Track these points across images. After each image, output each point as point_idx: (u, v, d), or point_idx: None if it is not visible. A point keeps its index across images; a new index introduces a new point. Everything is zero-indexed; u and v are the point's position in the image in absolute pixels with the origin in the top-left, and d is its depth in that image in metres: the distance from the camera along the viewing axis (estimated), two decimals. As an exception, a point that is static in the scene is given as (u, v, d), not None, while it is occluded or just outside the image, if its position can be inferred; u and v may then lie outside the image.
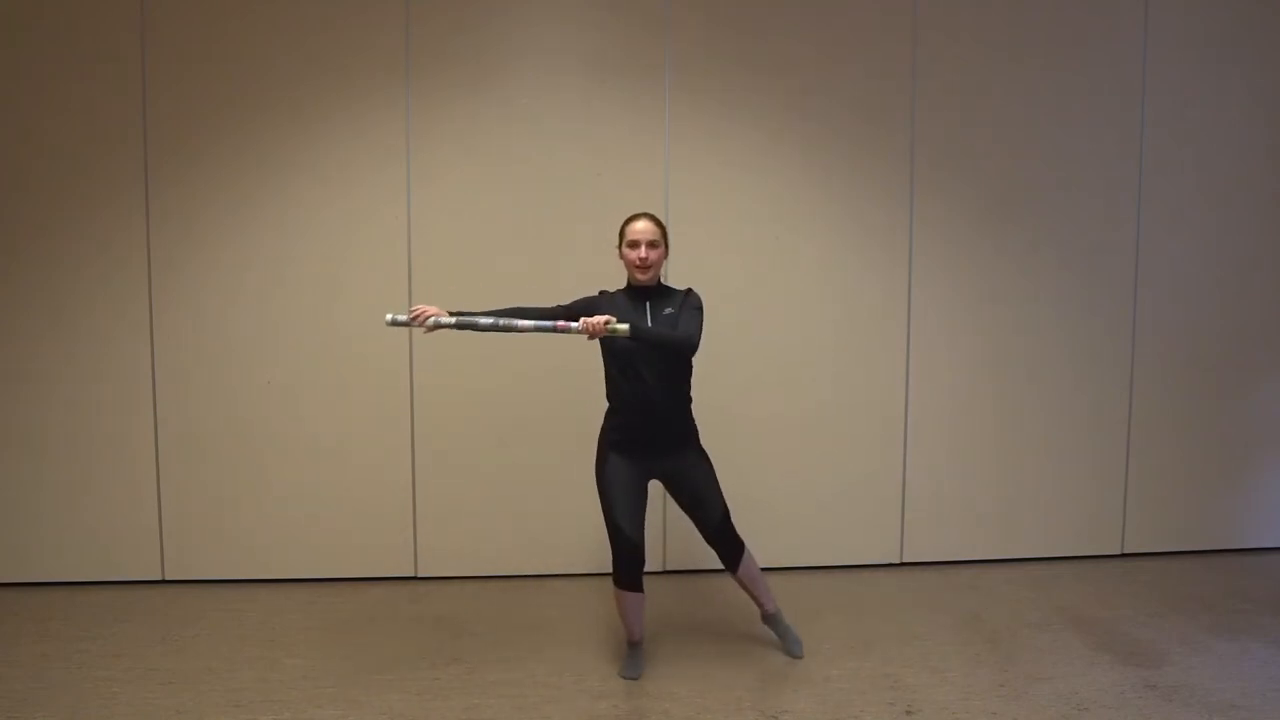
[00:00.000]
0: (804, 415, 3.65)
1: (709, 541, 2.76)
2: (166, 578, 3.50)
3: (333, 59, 3.41)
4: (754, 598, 2.88)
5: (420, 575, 3.58)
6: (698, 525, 2.75)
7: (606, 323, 2.40)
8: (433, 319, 2.51)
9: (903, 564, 3.75)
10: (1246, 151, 3.78)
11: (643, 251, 2.59)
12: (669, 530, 3.61)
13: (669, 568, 3.66)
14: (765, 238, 3.58)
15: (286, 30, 3.39)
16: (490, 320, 2.50)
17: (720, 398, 3.58)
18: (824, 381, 3.65)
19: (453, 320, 2.50)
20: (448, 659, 2.82)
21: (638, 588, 2.65)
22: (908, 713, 2.48)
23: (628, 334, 2.42)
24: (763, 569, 3.58)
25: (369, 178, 3.44)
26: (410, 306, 2.48)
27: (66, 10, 3.32)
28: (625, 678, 2.70)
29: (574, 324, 2.43)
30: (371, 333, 3.46)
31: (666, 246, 2.69)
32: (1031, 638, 2.99)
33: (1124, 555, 3.85)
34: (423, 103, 3.45)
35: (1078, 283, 3.73)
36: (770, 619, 2.90)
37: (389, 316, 2.53)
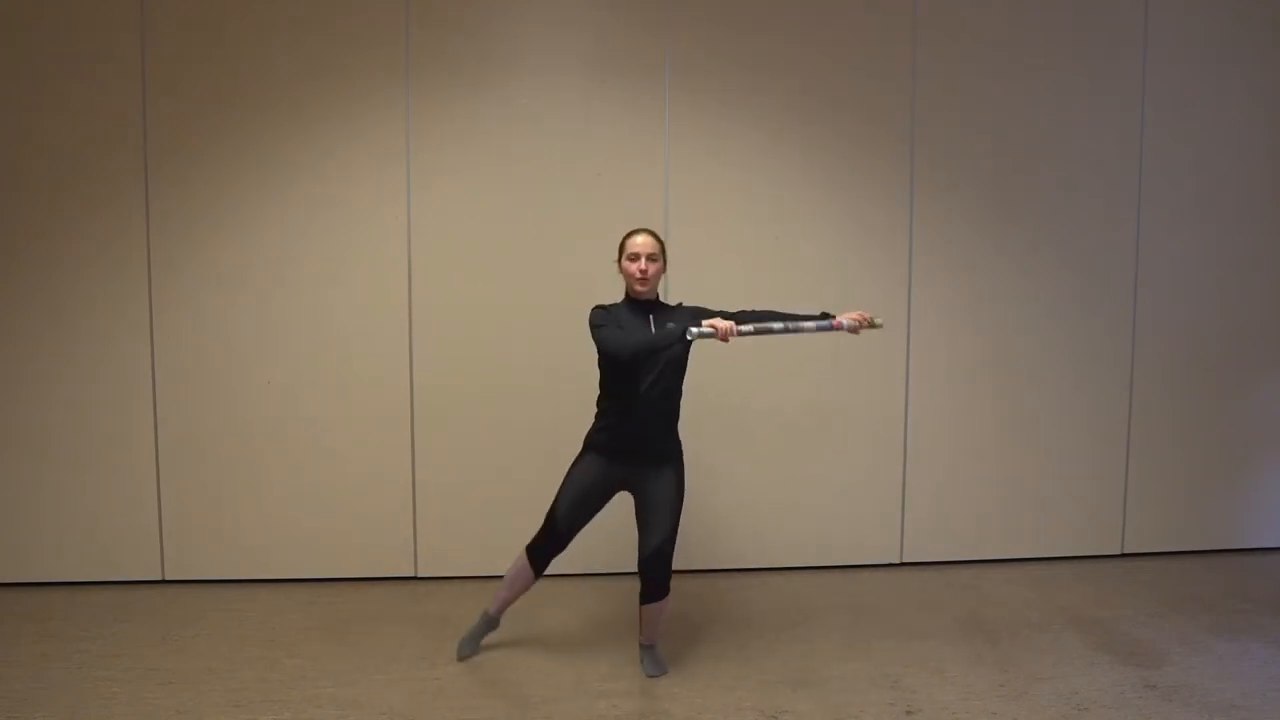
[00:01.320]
0: (804, 415, 3.65)
1: (640, 566, 2.64)
2: (166, 578, 3.50)
3: (333, 59, 3.41)
4: (644, 625, 2.76)
5: (420, 575, 3.58)
6: (641, 542, 2.66)
7: (866, 319, 2.59)
8: (735, 334, 2.45)
9: (903, 564, 3.75)
10: (1246, 151, 3.78)
11: (643, 264, 2.61)
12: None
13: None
14: (765, 238, 3.58)
15: (286, 30, 3.39)
16: (781, 325, 2.53)
17: (720, 398, 3.59)
18: (824, 382, 3.65)
19: (750, 329, 2.48)
20: (448, 659, 2.82)
21: (540, 569, 2.74)
22: (908, 713, 2.48)
23: (881, 325, 2.63)
24: (763, 569, 3.61)
25: (369, 178, 3.45)
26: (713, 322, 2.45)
27: (66, 10, 3.32)
28: (460, 655, 2.81)
29: (844, 319, 2.56)
30: (372, 333, 3.47)
31: (665, 261, 2.72)
32: (1031, 638, 2.99)
33: (1124, 555, 3.85)
34: (423, 103, 3.45)
35: (1078, 283, 3.74)
36: (645, 648, 2.80)
37: (693, 330, 2.44)
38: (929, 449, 3.72)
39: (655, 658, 2.79)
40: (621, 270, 2.68)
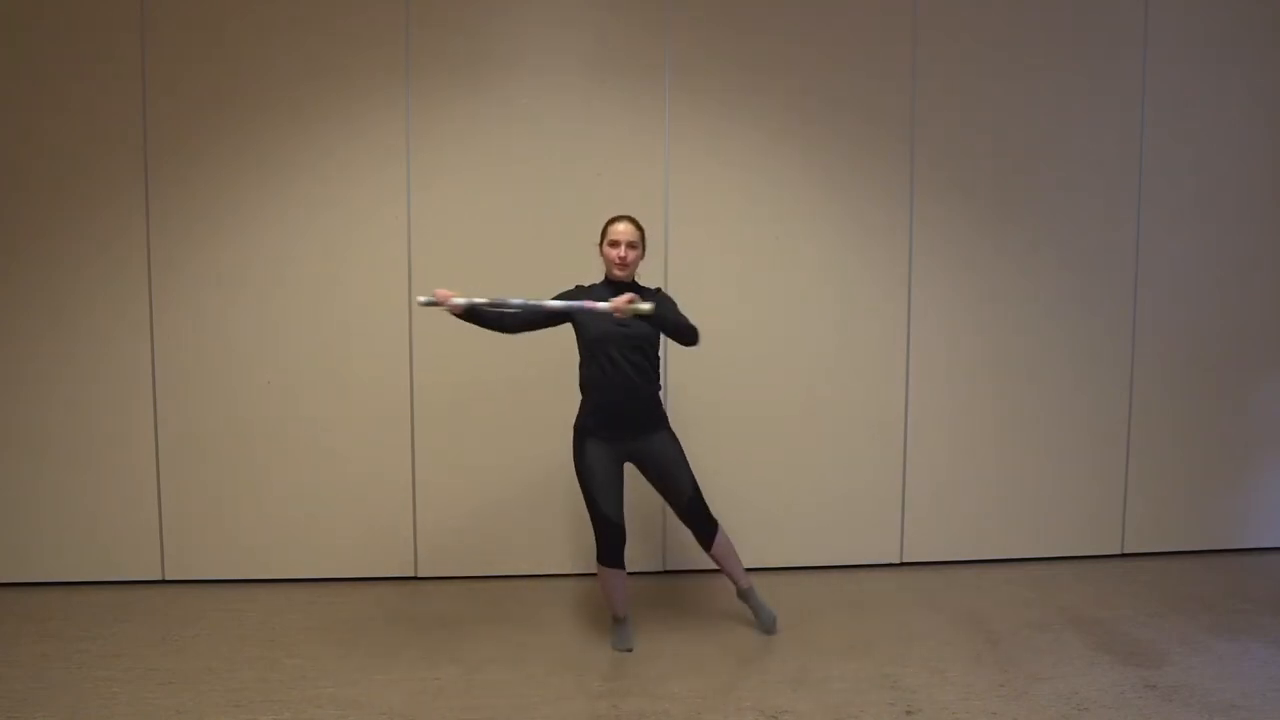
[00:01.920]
0: (804, 415, 3.65)
1: (681, 519, 2.93)
2: (166, 578, 3.50)
3: (333, 59, 3.41)
4: (728, 574, 3.02)
5: (420, 575, 3.58)
6: (670, 503, 2.92)
7: (631, 301, 2.55)
8: (463, 300, 2.64)
9: (903, 564, 3.75)
10: (1246, 151, 3.78)
11: (622, 251, 2.79)
12: (669, 531, 3.61)
13: (669, 568, 3.66)
14: (765, 238, 3.58)
15: (286, 30, 3.39)
16: (520, 301, 2.66)
17: (720, 397, 3.59)
18: (824, 381, 3.65)
19: (485, 300, 2.64)
20: (448, 659, 2.82)
21: (620, 564, 2.85)
22: (908, 713, 2.48)
23: (650, 313, 2.55)
24: (763, 569, 3.61)
25: (369, 178, 3.45)
26: (434, 290, 2.64)
27: (66, 10, 3.32)
28: (618, 649, 2.88)
29: (601, 304, 2.58)
30: (372, 333, 3.47)
31: (644, 248, 2.88)
32: (1031, 638, 2.99)
33: (1124, 555, 3.85)
34: (423, 103, 3.45)
35: (1078, 282, 3.74)
36: (744, 594, 3.05)
37: (420, 298, 2.65)
38: (929, 449, 3.72)
39: (759, 603, 3.03)
40: (602, 254, 2.85)
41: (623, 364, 2.77)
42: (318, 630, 3.05)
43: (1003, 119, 3.65)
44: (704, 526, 2.92)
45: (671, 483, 2.88)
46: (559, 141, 3.49)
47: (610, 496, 2.81)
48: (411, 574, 3.58)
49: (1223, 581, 3.55)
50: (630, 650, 2.88)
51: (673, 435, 2.92)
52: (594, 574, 3.55)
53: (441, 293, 2.65)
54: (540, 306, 2.68)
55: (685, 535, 3.44)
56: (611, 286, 2.84)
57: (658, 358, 2.87)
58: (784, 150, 3.57)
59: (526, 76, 3.47)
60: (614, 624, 2.97)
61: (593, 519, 2.82)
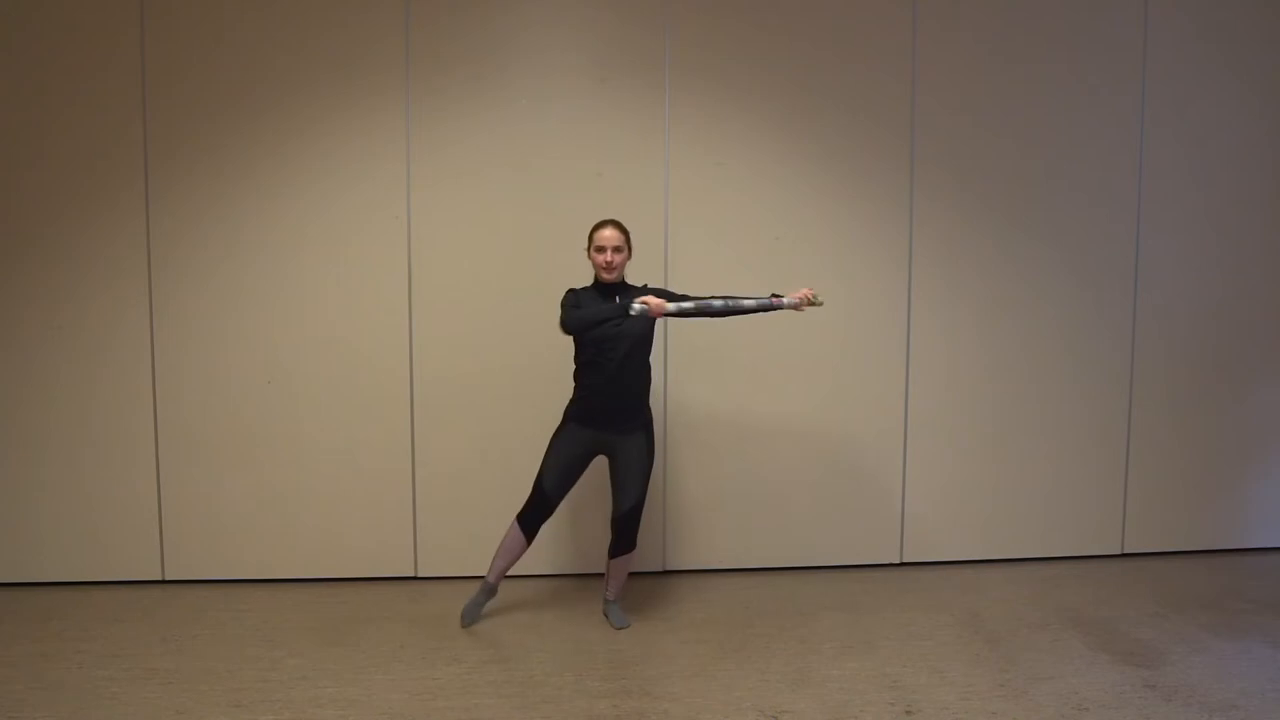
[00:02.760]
0: (804, 415, 3.65)
1: (612, 522, 3.02)
2: (166, 578, 3.50)
3: (333, 59, 3.41)
4: (610, 580, 3.12)
5: (420, 575, 3.58)
6: (613, 502, 3.02)
7: (813, 293, 2.83)
8: (673, 306, 2.83)
9: (903, 564, 3.75)
10: (1246, 151, 3.78)
11: (609, 255, 2.92)
12: (669, 531, 3.61)
13: (669, 567, 3.66)
14: (765, 238, 3.58)
15: (287, 30, 3.39)
16: (722, 303, 2.84)
17: (721, 397, 3.59)
18: (824, 381, 3.65)
19: (674, 308, 2.82)
20: (448, 659, 2.82)
21: (531, 535, 3.03)
22: (908, 713, 2.48)
23: (822, 304, 2.85)
24: (763, 569, 3.61)
25: (369, 178, 3.45)
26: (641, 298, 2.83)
27: (66, 10, 3.32)
28: (464, 622, 3.05)
29: (786, 299, 2.83)
30: (371, 333, 3.47)
31: (629, 250, 3.00)
32: (1031, 638, 2.99)
33: (1124, 555, 3.85)
34: (423, 103, 3.45)
35: (1078, 283, 3.74)
36: (609, 600, 3.14)
37: (635, 307, 2.80)
38: (929, 449, 3.72)
39: (619, 611, 3.12)
40: (590, 259, 2.98)
41: (623, 363, 2.88)
42: (318, 630, 3.05)
43: (1002, 119, 3.65)
44: (626, 541, 3.01)
45: (624, 486, 2.98)
46: (559, 141, 3.49)
47: (561, 479, 2.98)
48: (411, 574, 3.58)
49: (1223, 581, 3.55)
50: (469, 626, 3.03)
51: (649, 443, 3.03)
52: (594, 574, 3.55)
53: (653, 302, 2.81)
54: (739, 306, 2.84)
55: (686, 536, 3.46)
56: (603, 288, 2.96)
57: (649, 356, 3.01)
58: (785, 150, 3.57)
59: (526, 76, 3.47)
60: (481, 589, 3.10)
61: (535, 485, 3.00)
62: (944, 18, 3.59)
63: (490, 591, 3.11)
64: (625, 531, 2.99)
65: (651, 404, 3.09)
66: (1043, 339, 3.74)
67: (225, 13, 3.37)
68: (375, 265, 3.46)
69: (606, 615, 3.12)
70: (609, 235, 2.94)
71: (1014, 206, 3.69)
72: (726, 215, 3.56)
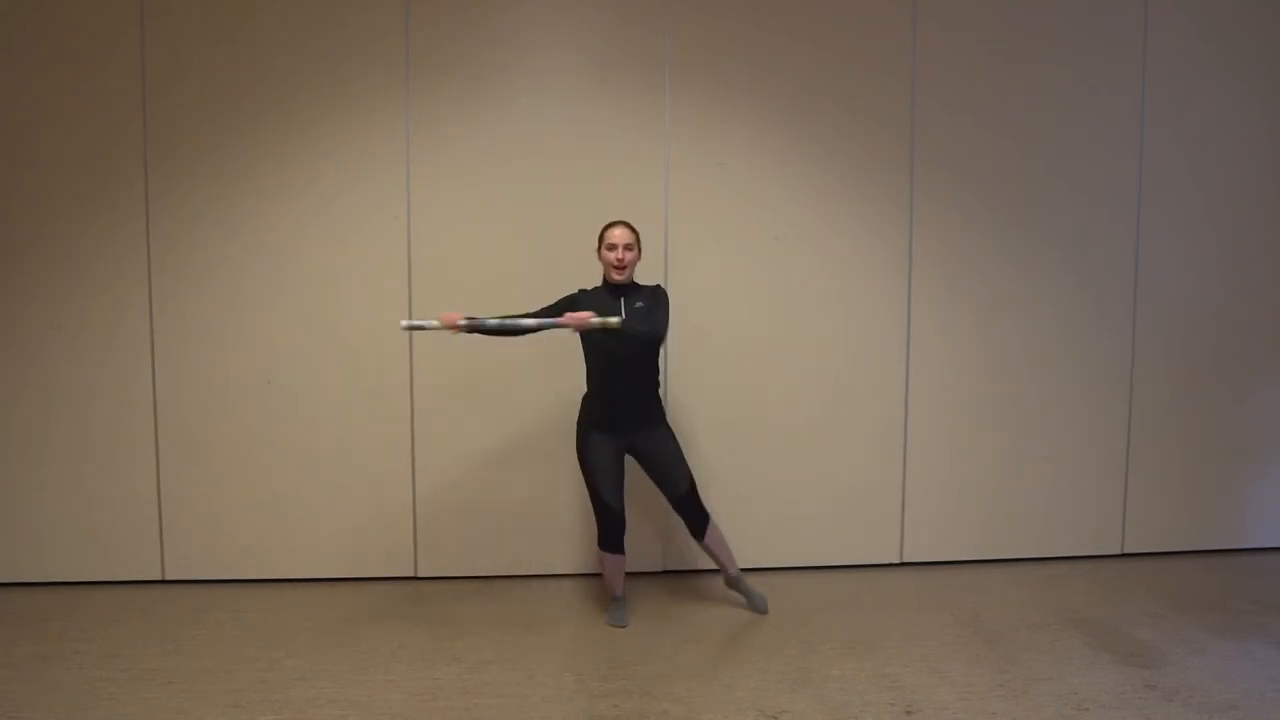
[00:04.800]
0: (804, 415, 3.65)
1: (675, 509, 3.08)
2: (166, 578, 3.50)
3: (333, 59, 3.41)
4: (719, 562, 3.18)
5: (420, 575, 3.58)
6: (666, 495, 3.07)
7: (588, 318, 2.73)
8: (447, 321, 2.78)
9: (903, 564, 3.75)
10: (1246, 151, 3.78)
11: (619, 253, 2.94)
12: (669, 530, 3.61)
13: (668, 568, 3.66)
14: (765, 238, 3.58)
15: (286, 30, 3.39)
16: (497, 321, 2.80)
17: (720, 397, 3.59)
18: (824, 381, 3.65)
19: (464, 323, 2.76)
20: (448, 659, 2.82)
21: (619, 549, 3.05)
22: (908, 713, 2.48)
23: (618, 326, 2.72)
24: (763, 569, 3.61)
25: (369, 178, 3.45)
26: (422, 317, 2.91)
27: (66, 10, 3.32)
28: (613, 625, 3.06)
29: (562, 320, 2.76)
30: (371, 333, 3.47)
31: (639, 250, 3.02)
32: (1031, 638, 2.99)
33: (1124, 555, 3.85)
34: (422, 102, 3.45)
35: (1078, 282, 3.74)
36: (733, 581, 3.21)
37: (404, 322, 2.81)
38: (929, 449, 3.72)
39: (748, 588, 3.20)
40: (601, 259, 3.01)
41: (623, 363, 2.93)
42: (318, 630, 3.05)
43: (1002, 119, 3.65)
44: (697, 518, 3.07)
45: (668, 476, 3.03)
46: (559, 141, 3.49)
47: (611, 485, 2.99)
48: (411, 574, 3.58)
49: (1223, 581, 3.55)
50: (624, 626, 3.05)
51: (670, 431, 3.08)
52: (594, 574, 3.56)
53: (445, 317, 2.78)
54: (518, 325, 2.81)
55: (686, 536, 3.44)
56: (612, 288, 2.99)
57: (657, 353, 3.02)
58: (785, 150, 3.57)
59: (526, 76, 3.47)
60: (612, 602, 3.15)
61: (594, 506, 3.03)
62: (944, 18, 3.60)
63: (622, 599, 3.15)
64: (691, 510, 3.05)
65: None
66: (1043, 339, 3.74)
67: (225, 13, 3.37)
68: (375, 265, 3.46)
69: (747, 598, 3.20)
70: (619, 234, 2.96)
71: (1014, 206, 3.69)
72: (726, 215, 3.56)
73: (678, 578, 3.60)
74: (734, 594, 3.27)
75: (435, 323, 2.77)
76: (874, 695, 2.58)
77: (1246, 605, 3.29)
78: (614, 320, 2.72)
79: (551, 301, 3.02)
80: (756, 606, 3.19)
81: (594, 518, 3.06)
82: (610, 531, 3.02)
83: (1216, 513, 3.89)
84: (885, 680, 2.68)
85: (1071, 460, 3.78)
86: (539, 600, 3.36)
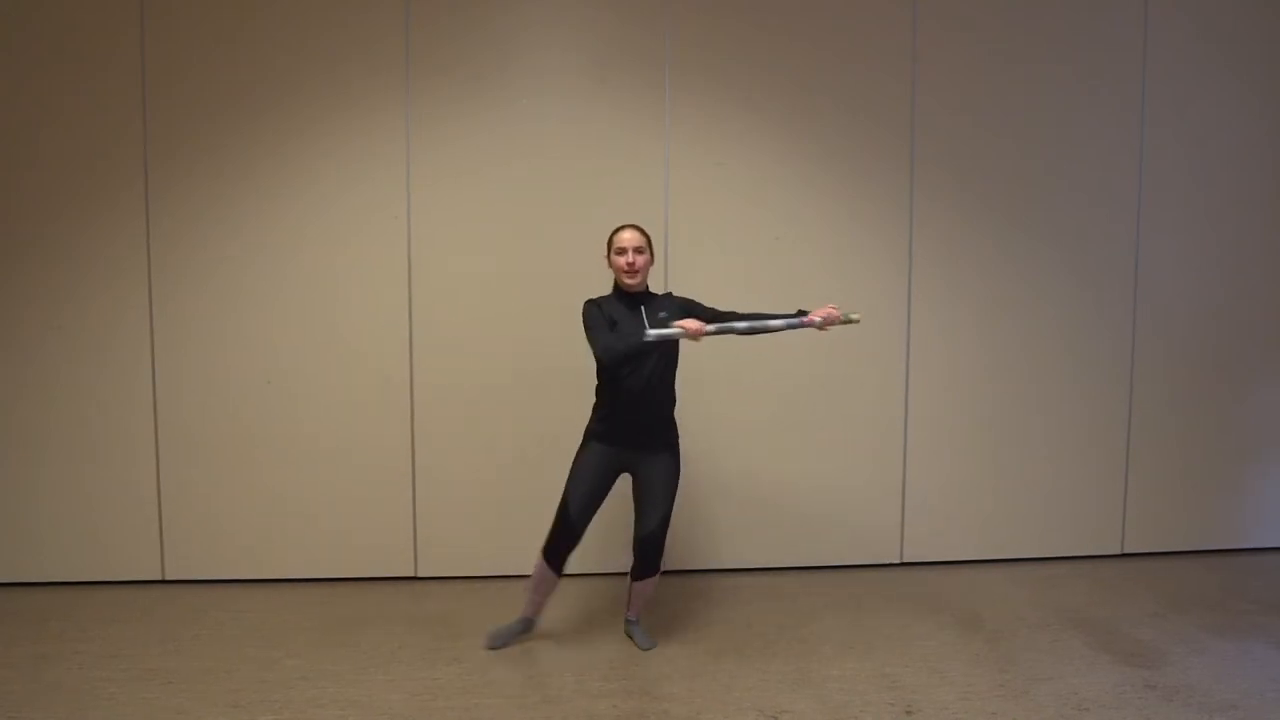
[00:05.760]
0: (804, 415, 3.65)
1: (635, 544, 2.81)
2: (166, 578, 3.50)
3: (333, 59, 3.41)
4: (630, 601, 2.98)
5: (420, 575, 3.58)
6: (636, 522, 2.82)
7: (835, 311, 2.62)
8: (711, 327, 2.58)
9: (903, 564, 3.75)
10: (1246, 151, 3.78)
11: (630, 258, 2.72)
12: (668, 530, 3.60)
13: (668, 568, 3.65)
14: (765, 238, 3.58)
15: (286, 30, 3.39)
16: (747, 325, 2.64)
17: (721, 397, 3.59)
18: (824, 381, 3.65)
19: (713, 329, 2.58)
20: (448, 659, 2.82)
21: (558, 569, 2.83)
22: (908, 713, 2.48)
23: (859, 320, 2.66)
24: (763, 569, 3.61)
25: (369, 178, 3.45)
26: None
27: (66, 10, 3.32)
28: (490, 646, 2.87)
29: (816, 318, 2.61)
30: (371, 333, 3.47)
31: (652, 254, 2.82)
32: (1031, 638, 2.99)
33: (1124, 555, 3.85)
34: (422, 102, 3.45)
35: (1078, 282, 3.74)
36: (632, 623, 2.99)
37: (651, 333, 2.52)
38: (929, 449, 3.71)
39: (643, 631, 2.97)
40: (611, 265, 2.79)
41: (650, 380, 2.72)
42: (318, 630, 3.05)
43: (1002, 119, 3.65)
44: (650, 563, 2.83)
45: (647, 508, 2.79)
46: (559, 141, 3.49)
47: (585, 503, 2.76)
48: (411, 574, 3.58)
49: (1223, 581, 3.55)
50: (495, 649, 2.86)
51: (676, 463, 2.83)
52: (594, 574, 3.56)
53: (691, 325, 2.54)
54: (766, 326, 2.63)
55: (686, 536, 3.46)
56: (628, 298, 2.77)
57: (675, 374, 2.83)
58: (784, 150, 3.57)
59: (526, 76, 3.47)
60: (519, 620, 2.94)
61: (558, 514, 2.79)
62: (944, 18, 3.59)
63: (529, 625, 2.96)
64: (648, 555, 2.80)
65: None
66: (1043, 339, 3.74)
67: (225, 13, 3.37)
68: (375, 265, 3.46)
69: (630, 636, 2.96)
70: (629, 237, 2.75)
71: (1014, 206, 3.69)
72: (726, 215, 3.56)
73: (678, 578, 3.60)
74: (628, 627, 2.99)
75: (679, 330, 2.53)
76: (874, 695, 2.58)
77: (1246, 605, 3.29)
78: (856, 315, 2.63)
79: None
80: (640, 642, 2.92)
81: (553, 520, 2.80)
82: (561, 544, 2.78)
83: (1216, 513, 3.89)
84: (885, 680, 2.68)
85: (1071, 460, 3.78)
86: (539, 600, 3.36)
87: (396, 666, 2.77)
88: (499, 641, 2.90)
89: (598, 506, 2.80)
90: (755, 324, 2.64)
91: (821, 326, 2.62)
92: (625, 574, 3.09)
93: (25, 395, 3.40)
